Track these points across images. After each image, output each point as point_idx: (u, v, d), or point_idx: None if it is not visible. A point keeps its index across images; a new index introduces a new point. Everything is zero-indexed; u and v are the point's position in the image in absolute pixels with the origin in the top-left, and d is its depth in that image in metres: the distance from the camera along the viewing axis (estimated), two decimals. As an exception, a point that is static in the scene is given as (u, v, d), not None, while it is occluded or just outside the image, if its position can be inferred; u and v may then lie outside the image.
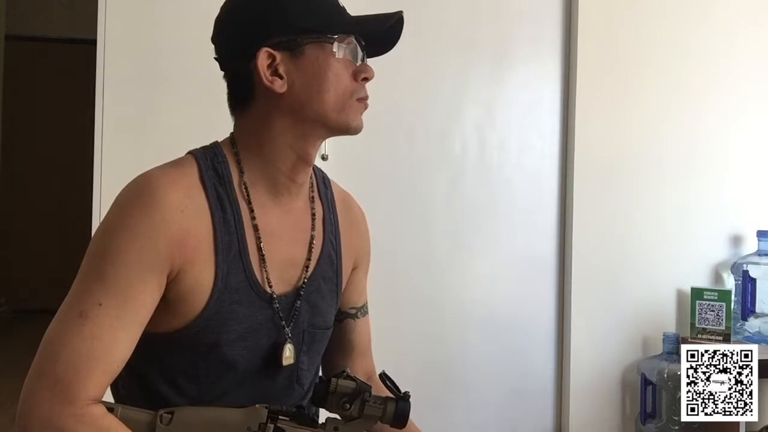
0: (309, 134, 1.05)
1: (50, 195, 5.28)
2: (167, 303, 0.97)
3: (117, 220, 0.96)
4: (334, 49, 1.02)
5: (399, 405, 0.99)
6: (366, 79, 1.05)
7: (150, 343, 0.97)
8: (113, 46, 2.08)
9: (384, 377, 1.03)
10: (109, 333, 0.91)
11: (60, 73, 5.13)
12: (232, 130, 1.09)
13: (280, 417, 0.97)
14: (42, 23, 5.15)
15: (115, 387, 1.03)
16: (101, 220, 1.00)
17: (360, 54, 1.05)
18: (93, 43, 2.09)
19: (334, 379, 0.98)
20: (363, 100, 1.06)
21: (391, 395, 1.00)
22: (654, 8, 2.39)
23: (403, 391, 1.01)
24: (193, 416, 0.95)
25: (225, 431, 0.95)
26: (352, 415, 0.99)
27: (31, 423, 0.89)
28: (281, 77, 1.01)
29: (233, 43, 1.05)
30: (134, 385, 1.02)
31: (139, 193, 0.97)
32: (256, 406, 0.97)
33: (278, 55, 1.01)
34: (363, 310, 1.25)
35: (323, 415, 1.02)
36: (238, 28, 1.04)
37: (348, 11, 1.07)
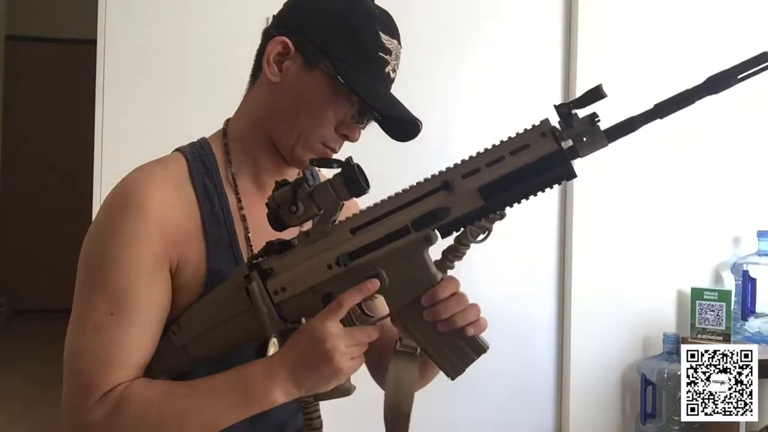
0: (271, 136, 1.03)
1: (50, 195, 5.28)
2: None
3: (109, 227, 0.96)
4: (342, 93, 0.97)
5: (343, 173, 0.88)
6: (345, 137, 1.02)
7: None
8: (113, 46, 2.08)
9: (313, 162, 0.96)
10: (126, 338, 0.93)
11: (60, 73, 5.13)
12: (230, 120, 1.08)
13: (258, 260, 0.95)
14: (42, 23, 5.15)
15: None
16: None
17: (361, 114, 1.00)
18: (93, 43, 2.09)
19: (270, 196, 0.91)
20: (328, 150, 1.02)
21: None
22: (654, 8, 2.39)
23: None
24: (195, 313, 0.97)
25: (221, 307, 0.95)
26: (310, 214, 0.90)
27: (63, 427, 0.93)
28: (280, 70, 0.99)
29: (282, 15, 1.03)
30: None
31: (128, 195, 0.96)
32: (237, 267, 0.96)
33: (292, 52, 0.99)
34: None
35: None
36: (294, 7, 1.02)
37: (390, 61, 1.01)
